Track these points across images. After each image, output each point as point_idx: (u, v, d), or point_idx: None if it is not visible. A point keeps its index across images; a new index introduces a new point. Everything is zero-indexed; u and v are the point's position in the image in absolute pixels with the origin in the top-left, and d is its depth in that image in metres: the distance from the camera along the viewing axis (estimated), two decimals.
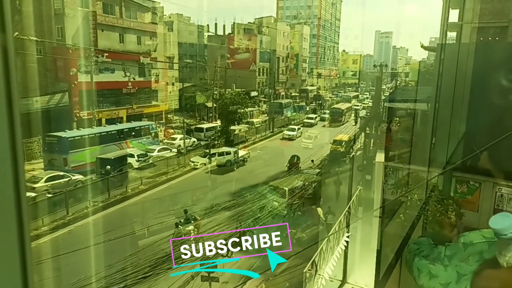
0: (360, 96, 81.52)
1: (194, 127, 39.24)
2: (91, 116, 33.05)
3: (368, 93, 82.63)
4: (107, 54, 34.80)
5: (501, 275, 2.15)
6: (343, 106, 55.36)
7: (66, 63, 32.06)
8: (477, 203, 8.05)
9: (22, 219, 0.90)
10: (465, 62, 7.10)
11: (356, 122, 45.06)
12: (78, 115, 33.01)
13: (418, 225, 4.51)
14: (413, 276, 2.68)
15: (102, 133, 29.09)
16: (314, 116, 50.16)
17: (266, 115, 50.14)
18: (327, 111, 54.65)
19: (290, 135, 40.72)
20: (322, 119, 51.95)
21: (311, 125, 47.18)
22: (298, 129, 41.94)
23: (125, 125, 32.79)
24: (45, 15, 30.91)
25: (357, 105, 63.70)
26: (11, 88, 0.87)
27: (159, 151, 29.76)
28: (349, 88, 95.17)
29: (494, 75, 7.26)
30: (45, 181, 21.75)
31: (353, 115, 54.56)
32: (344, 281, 5.78)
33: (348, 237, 7.22)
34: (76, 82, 33.04)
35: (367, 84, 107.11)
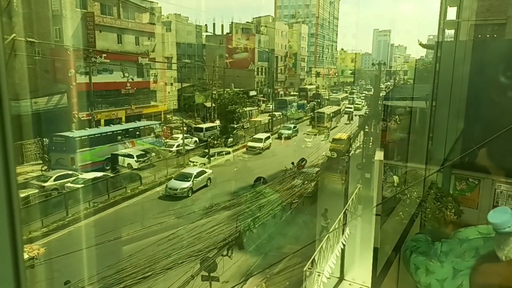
0: (354, 96, 78.40)
1: (194, 126, 39.49)
2: (90, 117, 33.06)
3: (366, 92, 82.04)
4: (105, 55, 34.78)
5: (500, 269, 2.17)
6: (329, 110, 48.06)
7: (64, 64, 32.03)
8: (476, 200, 8.06)
9: (14, 222, 0.90)
10: (463, 59, 7.12)
11: (327, 137, 38.05)
12: (76, 116, 33.01)
13: (417, 222, 4.54)
14: (410, 273, 2.70)
15: (108, 133, 29.63)
16: (264, 136, 35.78)
17: (265, 114, 50.10)
18: (291, 125, 44.14)
19: (176, 190, 22.60)
20: (281, 136, 40.20)
21: (258, 152, 33.80)
22: (198, 175, 24.22)
23: (130, 125, 33.20)
24: (43, 17, 30.87)
25: (350, 107, 59.27)
26: (1, 90, 0.87)
27: (177, 146, 31.12)
28: (348, 87, 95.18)
29: (492, 72, 7.27)
30: (54, 180, 22.28)
31: (341, 120, 49.76)
32: (341, 278, 5.80)
33: (346, 236, 7.23)
34: (74, 83, 33.02)
35: (366, 83, 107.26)
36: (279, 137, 39.93)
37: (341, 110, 54.24)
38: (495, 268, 2.20)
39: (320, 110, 48.94)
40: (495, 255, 2.19)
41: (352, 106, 62.09)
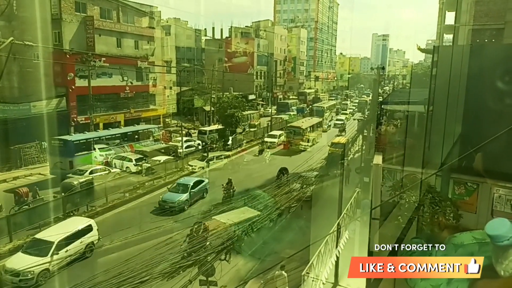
0: (348, 102, 73.23)
1: (198, 129, 39.83)
2: (89, 121, 33.03)
3: (365, 96, 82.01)
4: (104, 59, 34.80)
5: (498, 285, 2.08)
6: (306, 123, 38.81)
7: (64, 68, 32.04)
8: (475, 204, 8.04)
9: None
10: (460, 63, 7.11)
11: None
12: (75, 119, 33.00)
13: (413, 226, 4.51)
14: (405, 278, 2.67)
15: (107, 136, 29.69)
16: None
17: (265, 118, 50.14)
18: (188, 182, 22.13)
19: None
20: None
21: None
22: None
23: (129, 129, 33.23)
24: (42, 20, 30.89)
25: (341, 119, 50.74)
26: None
27: (186, 147, 32.01)
28: (347, 91, 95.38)
29: (489, 76, 7.26)
30: (89, 173, 23.77)
31: (327, 133, 43.32)
32: (336, 283, 5.76)
33: (345, 240, 7.19)
34: (73, 87, 33.05)
35: (365, 87, 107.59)
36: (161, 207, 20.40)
37: (325, 122, 46.96)
38: (493, 283, 2.11)
39: (294, 123, 39.15)
40: (493, 268, 2.11)
41: (344, 116, 53.86)
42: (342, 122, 48.70)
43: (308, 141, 37.75)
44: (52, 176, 24.91)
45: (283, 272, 11.98)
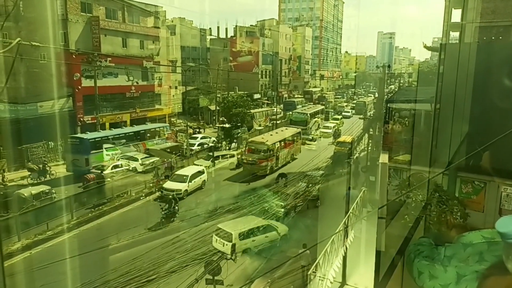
0: (345, 105, 65.65)
1: (219, 126, 40.47)
2: (95, 120, 33.22)
3: (372, 95, 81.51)
4: (110, 59, 34.97)
5: (509, 282, 2.08)
6: (274, 137, 29.51)
7: (70, 68, 32.23)
8: (482, 203, 7.99)
9: None
10: (467, 61, 7.07)
11: None
12: (82, 119, 33.20)
13: (420, 225, 4.49)
14: (413, 277, 2.66)
15: (121, 135, 30.53)
16: None
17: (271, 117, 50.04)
18: None
19: None
20: None
21: None
22: None
23: (141, 127, 34.01)
24: (48, 21, 31.10)
25: (329, 127, 42.04)
26: None
27: (198, 145, 33.43)
28: (352, 90, 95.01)
29: (497, 74, 7.21)
30: (111, 169, 25.38)
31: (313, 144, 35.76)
32: (343, 283, 5.75)
33: (351, 239, 7.17)
34: (80, 87, 33.25)
35: (370, 85, 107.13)
36: None
37: (308, 132, 39.28)
38: (504, 281, 2.11)
39: (255, 138, 30.00)
40: (503, 266, 2.11)
41: (333, 124, 44.35)
42: (330, 131, 40.90)
43: (314, 140, 37.44)
44: (69, 173, 25.97)
45: (307, 251, 12.19)
